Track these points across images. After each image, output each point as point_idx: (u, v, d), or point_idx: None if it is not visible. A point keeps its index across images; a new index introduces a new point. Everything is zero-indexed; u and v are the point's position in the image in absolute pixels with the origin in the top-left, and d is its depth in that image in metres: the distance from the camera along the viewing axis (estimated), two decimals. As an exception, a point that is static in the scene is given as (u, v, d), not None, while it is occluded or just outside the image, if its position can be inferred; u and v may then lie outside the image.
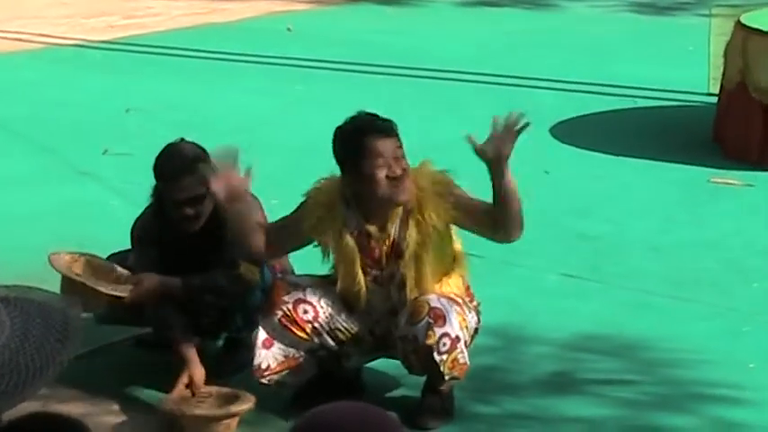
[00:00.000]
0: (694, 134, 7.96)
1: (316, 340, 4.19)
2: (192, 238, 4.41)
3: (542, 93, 9.18)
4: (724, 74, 7.86)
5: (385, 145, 4.11)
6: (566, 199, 6.76)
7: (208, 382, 4.38)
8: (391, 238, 4.18)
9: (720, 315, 5.16)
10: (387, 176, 4.09)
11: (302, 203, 4.27)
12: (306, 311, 4.17)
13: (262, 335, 4.19)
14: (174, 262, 4.40)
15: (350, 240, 4.16)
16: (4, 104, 8.99)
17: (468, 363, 4.17)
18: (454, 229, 4.26)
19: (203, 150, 4.43)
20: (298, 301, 4.19)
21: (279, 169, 6.76)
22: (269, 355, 4.19)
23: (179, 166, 4.36)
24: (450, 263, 4.28)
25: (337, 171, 4.24)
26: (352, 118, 4.23)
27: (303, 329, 4.17)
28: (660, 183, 7.05)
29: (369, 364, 4.46)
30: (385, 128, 4.17)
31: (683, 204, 6.67)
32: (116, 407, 4.33)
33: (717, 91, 8.12)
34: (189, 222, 4.38)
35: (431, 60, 10.20)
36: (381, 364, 4.43)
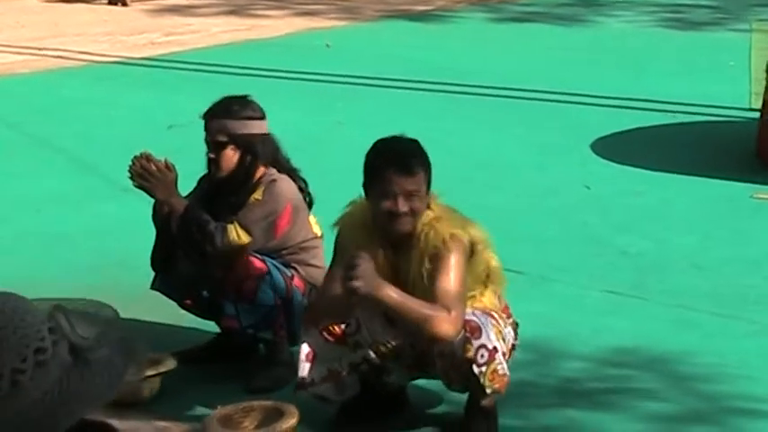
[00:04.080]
0: (736, 149, 7.93)
1: (357, 353, 4.20)
2: (221, 189, 4.71)
3: (582, 108, 9.17)
4: (766, 88, 7.83)
5: (398, 181, 4.06)
6: (607, 215, 6.74)
7: (248, 398, 4.41)
8: (398, 265, 4.16)
9: (763, 332, 5.13)
10: (389, 210, 4.07)
11: (337, 235, 4.29)
12: (348, 324, 4.19)
13: (305, 348, 4.21)
14: (206, 208, 4.71)
15: (381, 259, 4.15)
16: (48, 122, 9.07)
17: (509, 374, 4.16)
18: (487, 244, 4.24)
19: (253, 110, 4.70)
20: None
21: (318, 187, 6.78)
22: (312, 369, 4.21)
23: (213, 110, 4.69)
24: (481, 280, 4.25)
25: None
26: (386, 140, 4.21)
27: (345, 342, 4.19)
28: (702, 199, 7.02)
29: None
30: (407, 164, 4.09)
31: (725, 220, 6.64)
32: (161, 423, 4.35)
33: (759, 106, 8.09)
34: (211, 165, 4.70)
35: (469, 76, 10.21)
36: (424, 380, 4.43)
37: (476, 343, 4.04)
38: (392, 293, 3.97)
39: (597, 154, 7.92)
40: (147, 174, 4.62)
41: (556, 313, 5.31)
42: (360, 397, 4.30)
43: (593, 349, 4.95)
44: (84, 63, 11.30)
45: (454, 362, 4.07)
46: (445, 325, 3.95)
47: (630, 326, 5.20)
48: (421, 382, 4.46)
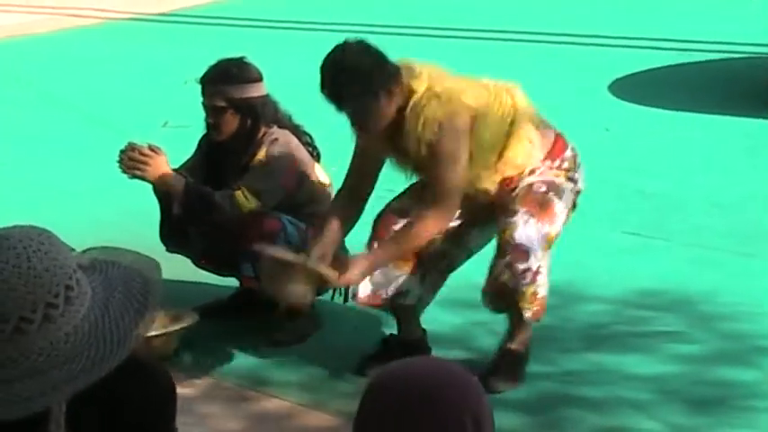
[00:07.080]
0: (755, 87, 7.86)
1: (416, 279, 4.23)
2: (222, 150, 4.66)
3: (599, 50, 9.11)
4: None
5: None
6: (626, 156, 6.71)
7: (270, 350, 4.43)
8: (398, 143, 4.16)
9: (785, 269, 5.11)
10: None
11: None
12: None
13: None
14: (209, 170, 4.70)
15: (383, 143, 4.22)
16: (64, 81, 9.07)
17: (546, 296, 4.14)
18: (489, 103, 4.07)
19: (251, 73, 4.64)
20: None
21: (336, 137, 6.77)
22: (366, 286, 4.23)
23: (210, 75, 4.64)
24: (503, 134, 4.10)
25: None
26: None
27: (408, 261, 4.21)
28: (721, 137, 6.98)
29: (435, 327, 4.48)
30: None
31: (744, 158, 6.60)
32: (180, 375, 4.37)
33: (778, 42, 8.02)
34: (210, 129, 4.65)
35: (484, 21, 10.14)
36: (447, 325, 4.44)
37: (520, 267, 4.05)
38: (366, 263, 4.08)
39: (615, 95, 7.87)
40: (136, 163, 4.60)
41: (577, 256, 5.29)
42: (382, 346, 4.33)
43: (615, 292, 4.94)
44: (100, 21, 11.28)
45: (496, 283, 4.10)
46: (430, 228, 4.05)
47: (651, 267, 5.19)
48: (444, 327, 4.47)
